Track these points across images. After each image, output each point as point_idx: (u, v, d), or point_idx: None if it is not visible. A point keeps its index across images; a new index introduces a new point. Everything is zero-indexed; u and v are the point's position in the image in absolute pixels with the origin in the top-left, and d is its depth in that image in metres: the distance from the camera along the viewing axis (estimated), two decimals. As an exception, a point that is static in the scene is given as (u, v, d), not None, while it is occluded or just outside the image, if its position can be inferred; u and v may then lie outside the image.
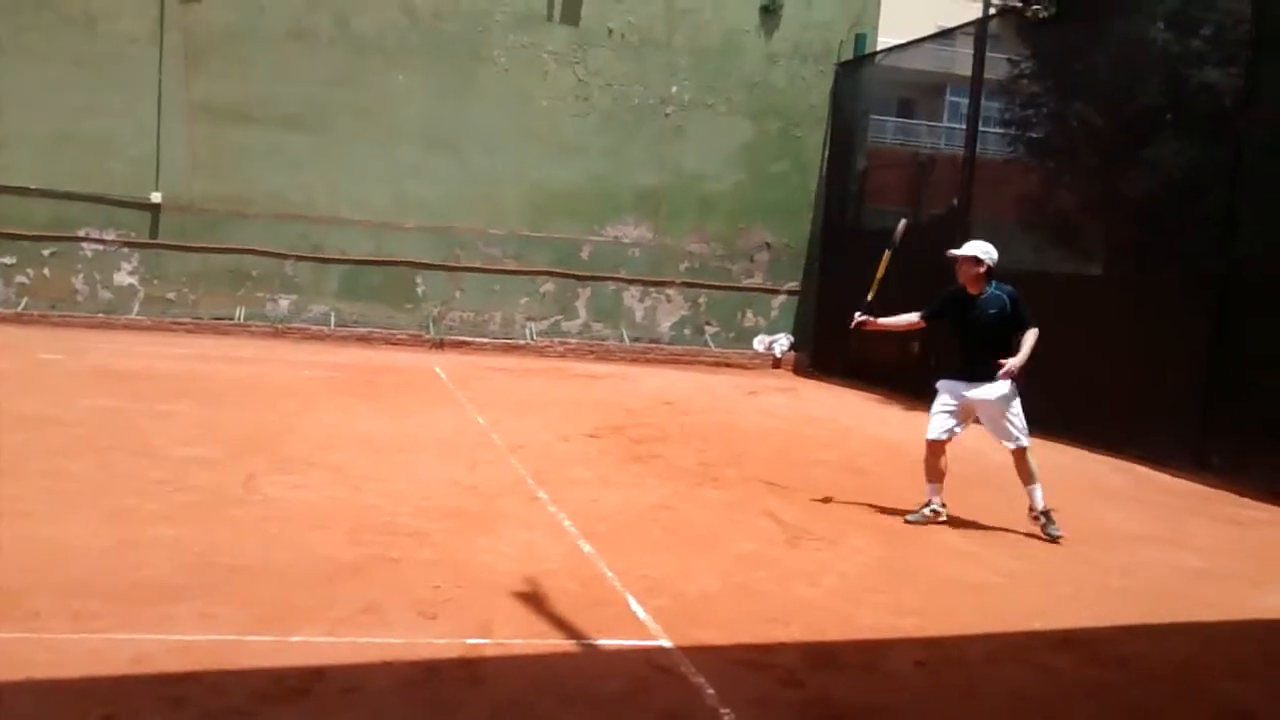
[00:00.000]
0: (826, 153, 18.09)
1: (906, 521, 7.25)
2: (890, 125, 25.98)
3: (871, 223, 17.32)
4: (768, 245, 18.18)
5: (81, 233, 15.78)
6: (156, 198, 15.84)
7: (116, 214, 15.86)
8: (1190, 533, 7.86)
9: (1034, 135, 13.89)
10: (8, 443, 7.48)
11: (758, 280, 18.23)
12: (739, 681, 4.29)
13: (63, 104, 15.42)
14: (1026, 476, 7.19)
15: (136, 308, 15.98)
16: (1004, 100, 14.58)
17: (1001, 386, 7.11)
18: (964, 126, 14.99)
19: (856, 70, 17.77)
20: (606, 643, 4.59)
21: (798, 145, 18.10)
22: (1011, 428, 7.15)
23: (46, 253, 15.69)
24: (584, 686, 4.14)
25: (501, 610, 4.85)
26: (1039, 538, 7.06)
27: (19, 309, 15.46)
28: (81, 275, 15.87)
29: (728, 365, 17.54)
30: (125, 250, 15.97)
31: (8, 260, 15.59)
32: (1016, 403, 7.18)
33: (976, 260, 7.20)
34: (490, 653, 4.38)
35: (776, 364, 17.83)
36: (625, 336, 17.67)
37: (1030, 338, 7.10)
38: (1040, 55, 13.89)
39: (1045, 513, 7.14)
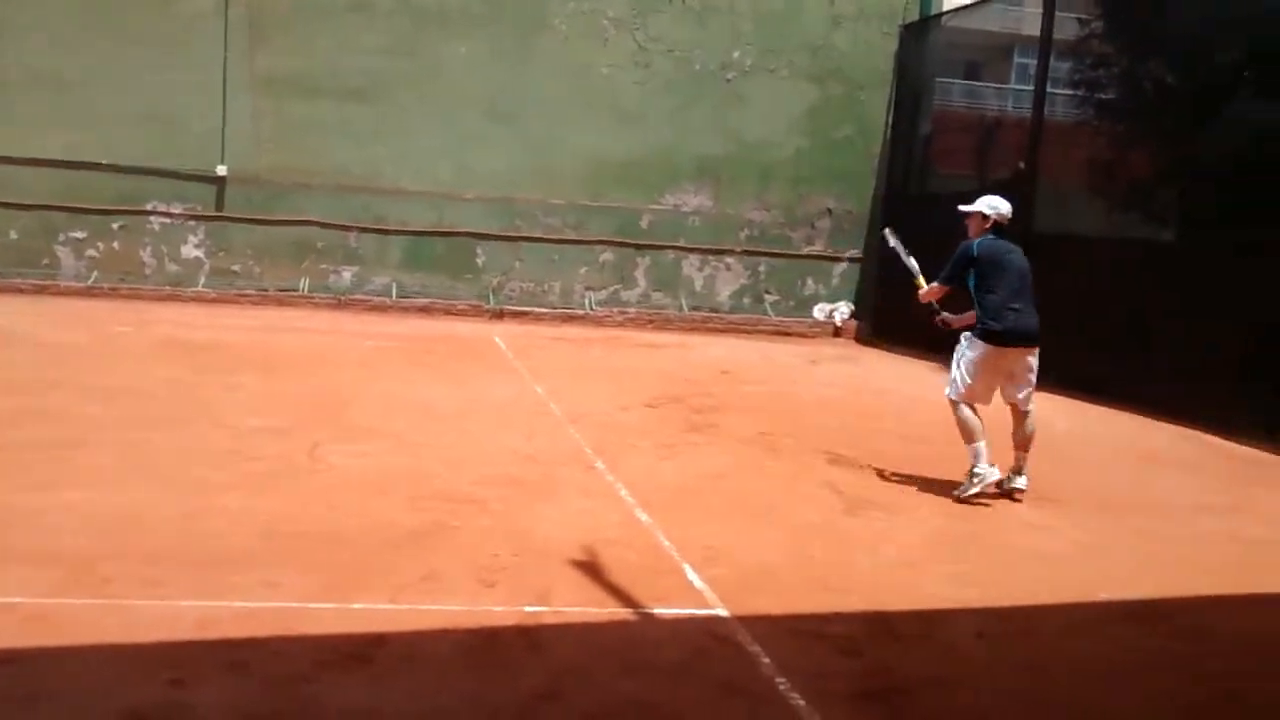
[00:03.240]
0: (890, 117, 17.81)
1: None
2: (956, 88, 25.46)
3: (937, 188, 17.06)
4: (829, 212, 17.98)
5: (149, 206, 16.07)
6: (222, 171, 16.07)
7: (183, 187, 16.11)
8: (1259, 502, 7.67)
9: (1104, 97, 13.52)
10: (84, 414, 7.67)
11: (818, 248, 18.05)
12: (796, 651, 4.28)
13: (130, 80, 15.67)
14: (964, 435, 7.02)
15: (203, 280, 16.25)
16: (1073, 61, 14.22)
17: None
18: (1032, 89, 14.65)
19: (922, 32, 17.43)
20: (664, 612, 4.60)
21: (861, 109, 17.84)
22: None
23: (115, 226, 16.01)
24: (641, 655, 4.14)
25: (559, 578, 4.88)
26: (1093, 505, 6.95)
27: (89, 282, 15.80)
28: (149, 248, 16.17)
29: (787, 334, 17.42)
30: (192, 223, 16.24)
31: (78, 234, 15.93)
32: (959, 352, 7.14)
33: (983, 216, 7.14)
34: (548, 620, 4.40)
35: (837, 332, 17.67)
36: (684, 305, 17.62)
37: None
38: (1111, 13, 13.53)
39: (972, 473, 6.89)
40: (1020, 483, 7.04)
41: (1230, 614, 5.20)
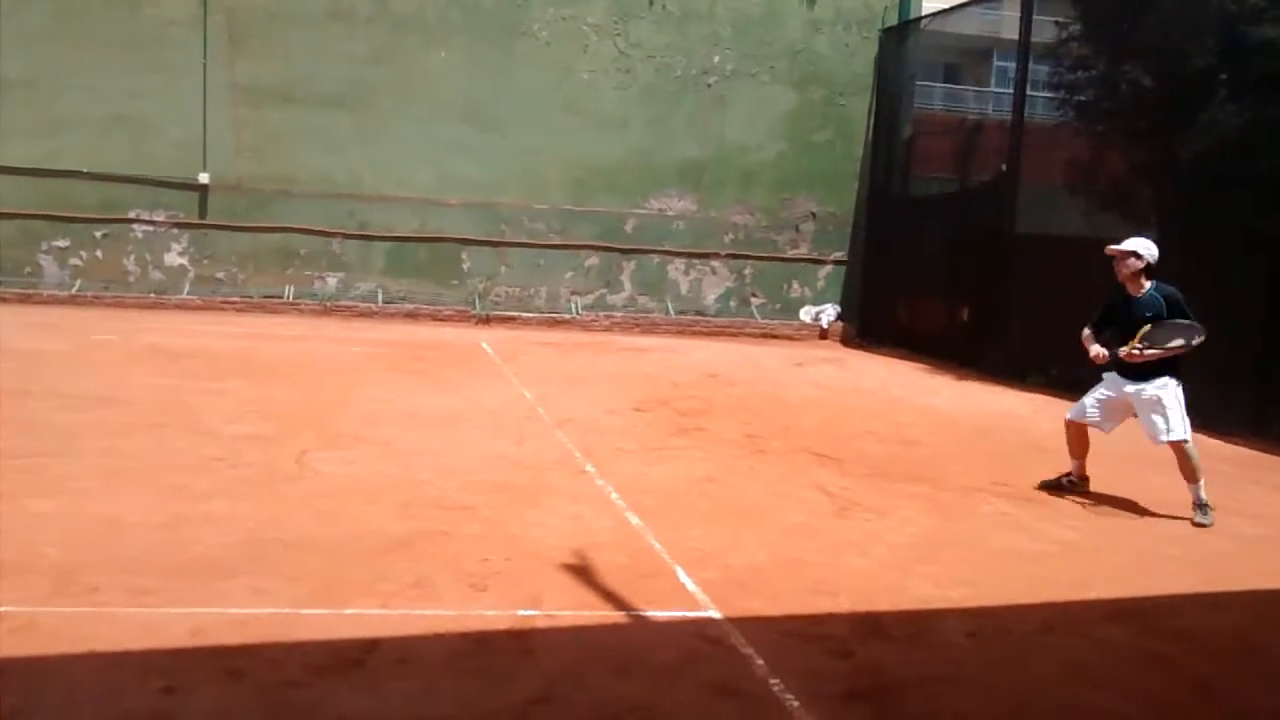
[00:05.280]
0: (872, 120, 17.89)
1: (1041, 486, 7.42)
2: (936, 91, 25.64)
3: (919, 190, 17.15)
4: (813, 215, 18.04)
5: (132, 214, 16.00)
6: (204, 178, 16.01)
7: (165, 195, 16.05)
8: (1248, 500, 7.72)
9: (1083, 99, 13.62)
10: (64, 422, 7.62)
11: (803, 251, 18.11)
12: (788, 652, 4.29)
13: (110, 88, 15.61)
14: (1187, 474, 6.92)
15: (187, 287, 16.18)
16: (1052, 64, 14.33)
17: (1159, 383, 6.87)
18: (1012, 91, 14.76)
19: (901, 36, 17.53)
20: (656, 614, 4.60)
21: (842, 113, 17.91)
22: (1162, 421, 6.85)
23: (98, 234, 15.93)
24: (634, 657, 4.15)
25: (551, 582, 4.88)
26: (1083, 504, 7.00)
27: (73, 290, 15.72)
28: (133, 256, 16.10)
29: (774, 337, 17.46)
30: (175, 231, 16.18)
31: (61, 243, 15.84)
32: (1173, 399, 6.86)
33: (1137, 255, 6.93)
34: (540, 624, 4.40)
35: (823, 335, 17.73)
36: (670, 309, 17.64)
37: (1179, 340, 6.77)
38: (1089, 16, 13.62)
39: (1201, 505, 6.86)
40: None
41: (1214, 612, 5.24)
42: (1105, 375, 7.25)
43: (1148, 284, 6.98)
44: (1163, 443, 6.93)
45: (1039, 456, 8.45)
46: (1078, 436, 7.37)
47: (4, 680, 3.60)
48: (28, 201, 15.58)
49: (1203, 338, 6.78)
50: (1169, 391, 6.88)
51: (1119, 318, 7.08)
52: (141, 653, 3.89)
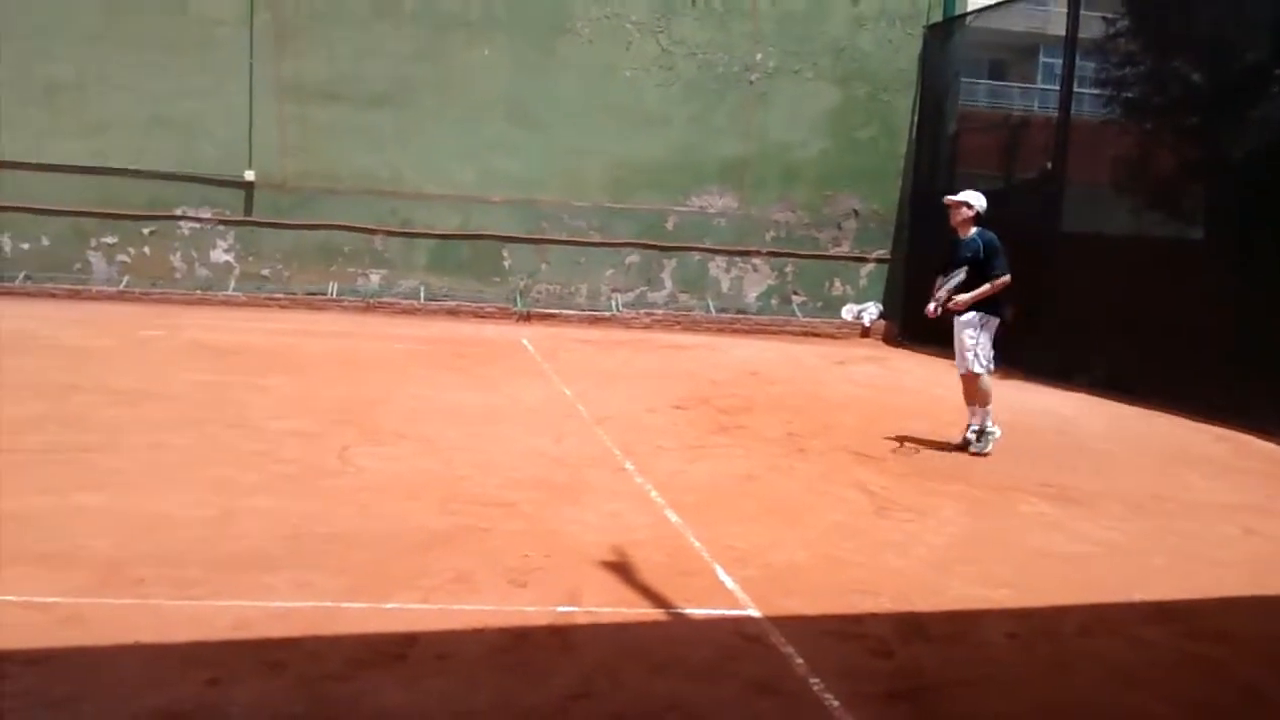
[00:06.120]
0: (916, 117, 17.74)
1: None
2: (981, 88, 25.37)
3: (963, 188, 16.97)
4: (856, 213, 17.93)
5: (178, 211, 16.21)
6: (250, 176, 16.19)
7: (211, 192, 16.25)
8: (1295, 503, 7.59)
9: (1131, 95, 13.43)
10: (111, 417, 7.74)
11: (845, 248, 17.99)
12: (828, 651, 4.27)
13: (158, 87, 15.83)
14: (969, 400, 8.24)
15: (232, 284, 16.38)
16: (1099, 59, 14.13)
17: (964, 320, 8.15)
18: (1058, 88, 14.59)
19: (946, 32, 17.37)
20: (695, 612, 4.60)
21: (886, 110, 17.78)
22: (964, 354, 8.13)
23: (146, 231, 16.16)
24: (673, 655, 4.15)
25: (590, 579, 4.89)
26: (1125, 506, 6.90)
27: (120, 287, 15.96)
28: (179, 253, 16.31)
29: (815, 335, 17.37)
30: (221, 228, 16.37)
31: (109, 240, 16.08)
32: (974, 334, 8.11)
33: (968, 205, 8.18)
34: (579, 620, 4.41)
35: (865, 333, 17.62)
36: (711, 307, 17.61)
37: (988, 285, 8.02)
38: (1137, 11, 13.44)
39: (978, 431, 8.15)
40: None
41: (1260, 616, 5.16)
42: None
43: (973, 230, 8.18)
44: (959, 372, 8.27)
45: (1082, 457, 8.36)
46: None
47: (54, 669, 3.66)
48: (78, 199, 15.84)
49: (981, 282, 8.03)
50: (968, 329, 8.13)
51: (950, 259, 8.26)
52: (186, 644, 3.94)
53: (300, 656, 3.88)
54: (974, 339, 8.10)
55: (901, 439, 8.59)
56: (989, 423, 8.20)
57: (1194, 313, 11.14)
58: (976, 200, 8.17)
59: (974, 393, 8.17)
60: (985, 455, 8.08)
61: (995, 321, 8.17)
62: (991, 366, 8.18)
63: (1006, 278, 8.03)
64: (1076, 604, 5.09)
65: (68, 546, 4.87)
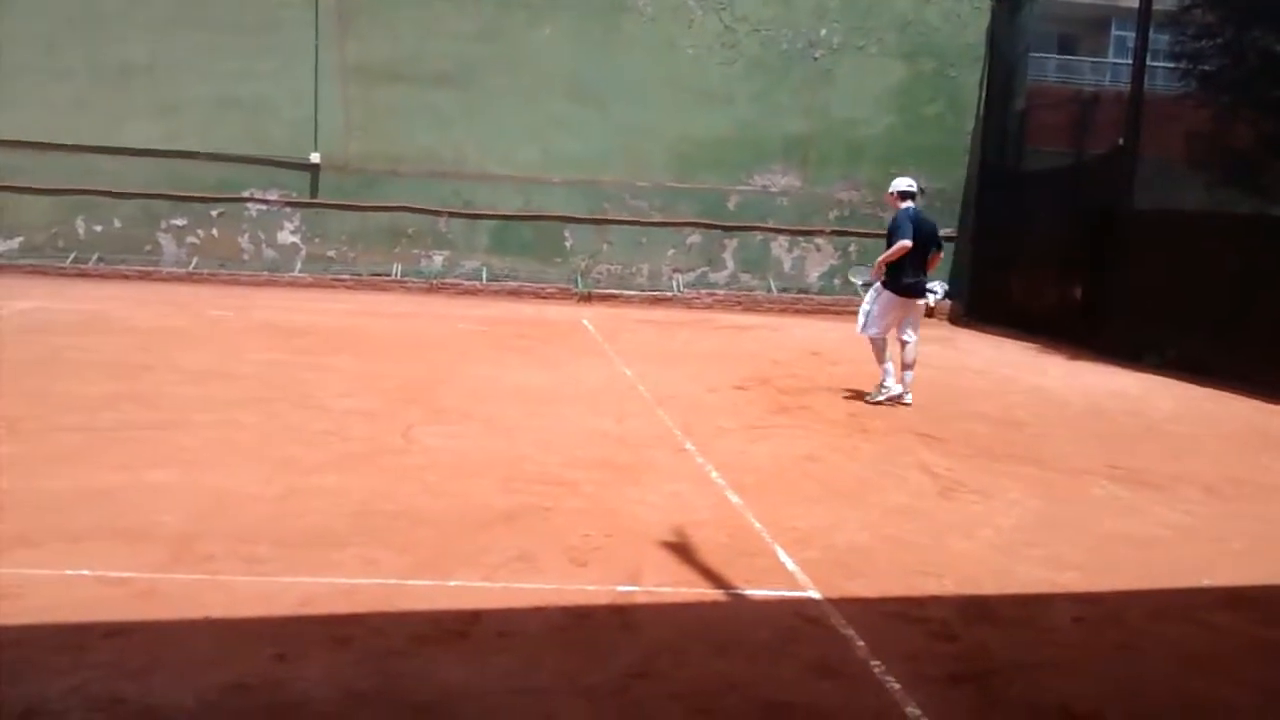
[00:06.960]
0: (983, 93, 17.46)
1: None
2: (1051, 63, 24.86)
3: (1034, 164, 16.69)
4: (921, 190, 17.61)
5: (246, 193, 16.48)
6: (315, 158, 16.40)
7: (278, 175, 16.49)
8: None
9: (1207, 68, 13.09)
10: (181, 396, 7.90)
11: (910, 227, 17.74)
12: (890, 634, 4.23)
13: (224, 70, 16.08)
14: (877, 358, 9.25)
15: (299, 265, 16.62)
16: (1174, 32, 13.79)
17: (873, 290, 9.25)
18: (1130, 62, 14.24)
19: (1015, 6, 17.04)
20: (755, 593, 4.58)
21: (952, 86, 17.52)
22: (861, 315, 9.31)
23: (214, 213, 16.45)
24: (734, 635, 4.14)
25: (651, 559, 4.89)
26: (1198, 489, 6.75)
27: (190, 268, 16.27)
28: (247, 235, 16.59)
29: (878, 315, 17.16)
30: (287, 210, 16.62)
31: (179, 222, 16.40)
32: (870, 301, 9.24)
33: (892, 192, 9.33)
34: (640, 600, 4.41)
35: (930, 313, 17.29)
36: (773, 287, 17.51)
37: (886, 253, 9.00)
38: (1214, -19, 13.08)
39: (879, 386, 9.13)
40: (908, 398, 9.12)
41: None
42: None
43: (902, 205, 9.14)
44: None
45: (1154, 439, 8.19)
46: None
47: (129, 641, 3.75)
48: (148, 182, 16.17)
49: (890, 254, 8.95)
50: (869, 294, 9.28)
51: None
52: (254, 620, 4.01)
53: (366, 632, 3.93)
54: (869, 304, 9.23)
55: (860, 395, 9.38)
56: (889, 380, 9.17)
57: (1271, 291, 10.84)
58: (894, 184, 9.33)
59: (876, 353, 9.27)
60: (877, 405, 9.05)
61: (888, 294, 9.08)
62: (874, 330, 9.19)
63: (899, 244, 8.87)
64: (1146, 589, 4.99)
65: (141, 522, 4.98)
